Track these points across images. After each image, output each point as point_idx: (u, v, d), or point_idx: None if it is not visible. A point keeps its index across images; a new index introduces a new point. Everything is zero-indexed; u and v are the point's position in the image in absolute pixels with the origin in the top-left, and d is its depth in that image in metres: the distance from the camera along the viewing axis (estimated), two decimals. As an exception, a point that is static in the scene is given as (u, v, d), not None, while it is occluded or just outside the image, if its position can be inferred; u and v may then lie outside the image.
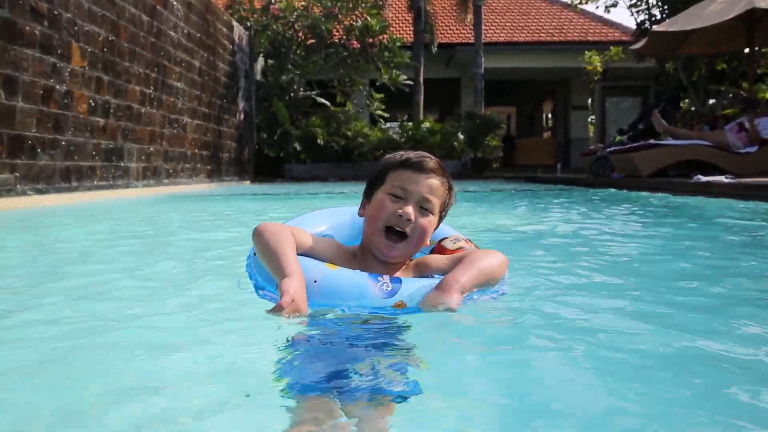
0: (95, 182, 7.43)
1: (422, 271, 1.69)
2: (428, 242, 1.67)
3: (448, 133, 15.91)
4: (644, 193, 7.34)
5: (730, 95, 13.49)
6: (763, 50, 11.97)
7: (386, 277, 1.51)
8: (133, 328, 1.49)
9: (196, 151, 11.04)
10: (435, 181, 1.61)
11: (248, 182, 14.04)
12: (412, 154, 1.65)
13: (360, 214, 1.74)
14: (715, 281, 1.98)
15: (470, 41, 18.34)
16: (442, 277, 1.54)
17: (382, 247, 1.60)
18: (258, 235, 1.59)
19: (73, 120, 6.86)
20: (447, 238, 1.88)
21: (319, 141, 15.19)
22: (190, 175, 10.72)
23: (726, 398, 1.03)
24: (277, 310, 1.34)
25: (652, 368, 1.17)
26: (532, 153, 20.99)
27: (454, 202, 1.73)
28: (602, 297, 1.79)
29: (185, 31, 10.37)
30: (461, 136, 15.97)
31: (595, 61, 16.34)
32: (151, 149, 9.08)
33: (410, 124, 16.54)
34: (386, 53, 15.87)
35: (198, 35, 11.03)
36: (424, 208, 1.60)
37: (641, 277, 2.18)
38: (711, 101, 14.43)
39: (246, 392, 1.06)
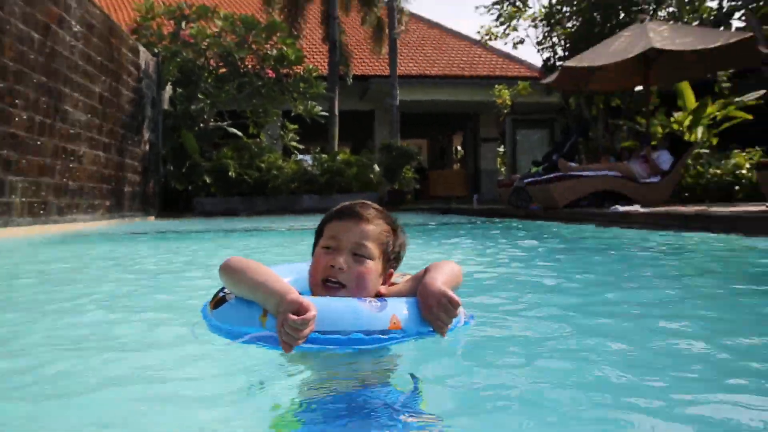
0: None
1: None
2: (374, 288, 1.62)
3: (364, 165, 15.76)
4: (567, 225, 7.46)
5: (626, 128, 14.53)
6: (651, 89, 12.96)
7: (369, 299, 1.51)
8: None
9: (95, 184, 10.03)
10: (369, 227, 1.60)
11: (153, 218, 13.01)
12: (348, 204, 1.67)
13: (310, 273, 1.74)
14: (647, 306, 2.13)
15: (384, 73, 18.52)
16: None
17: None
18: (232, 266, 1.52)
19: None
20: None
21: (230, 173, 14.46)
22: (87, 211, 9.69)
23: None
24: (307, 319, 1.31)
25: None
26: (444, 184, 21.41)
27: (406, 242, 1.72)
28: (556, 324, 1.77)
29: (85, 54, 9.49)
30: (377, 168, 15.89)
31: (504, 95, 17.02)
32: (41, 182, 8.08)
33: (325, 156, 16.25)
34: (302, 84, 15.58)
35: (99, 59, 10.16)
36: (359, 254, 1.58)
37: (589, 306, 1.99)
38: (606, 135, 15.46)
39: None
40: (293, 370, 1.44)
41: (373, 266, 1.59)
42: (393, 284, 1.72)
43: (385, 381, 1.38)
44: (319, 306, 1.38)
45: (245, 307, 1.46)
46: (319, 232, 1.68)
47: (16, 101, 7.38)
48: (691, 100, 11.89)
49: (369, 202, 1.70)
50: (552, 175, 9.66)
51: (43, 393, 1.34)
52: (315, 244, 1.68)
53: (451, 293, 1.48)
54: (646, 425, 1.10)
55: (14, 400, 1.30)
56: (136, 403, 1.27)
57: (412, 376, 1.37)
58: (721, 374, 1.40)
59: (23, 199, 7.61)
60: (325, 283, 1.57)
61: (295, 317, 1.30)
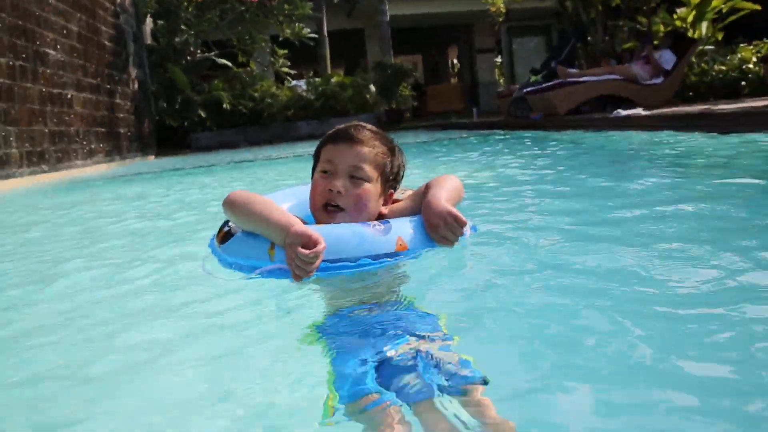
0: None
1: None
2: (375, 210, 1.62)
3: (359, 86, 15.40)
4: (569, 132, 7.37)
5: (626, 29, 13.98)
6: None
7: (373, 222, 1.53)
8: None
9: (88, 128, 9.88)
10: (364, 148, 1.59)
11: (152, 157, 12.91)
12: (342, 127, 1.65)
13: None
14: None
15: (372, -12, 17.65)
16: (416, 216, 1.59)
17: (325, 221, 1.59)
18: (236, 200, 1.53)
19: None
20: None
21: (225, 105, 14.18)
22: (85, 156, 9.60)
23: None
24: (318, 252, 1.33)
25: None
26: (442, 99, 20.96)
27: (404, 163, 1.71)
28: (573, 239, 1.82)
29: (55, -9, 9.03)
30: (373, 88, 15.52)
31: (498, 2, 16.28)
32: (33, 131, 7.95)
33: (319, 79, 15.83)
34: (286, 5, 14.91)
35: (71, -5, 9.68)
36: (356, 177, 1.57)
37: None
38: (606, 38, 14.90)
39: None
40: (309, 294, 1.49)
41: (372, 188, 1.59)
42: (395, 201, 1.74)
43: (397, 298, 1.42)
44: (324, 234, 1.39)
45: (253, 241, 1.48)
46: (316, 157, 1.67)
47: (-5, 47, 7.11)
48: (694, -7, 11.34)
49: (364, 124, 1.68)
50: (551, 83, 9.44)
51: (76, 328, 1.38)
52: (313, 169, 1.68)
53: (456, 212, 1.50)
54: (653, 331, 1.13)
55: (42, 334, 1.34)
56: (161, 334, 1.31)
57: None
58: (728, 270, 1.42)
59: (20, 149, 7.52)
60: (325, 207, 1.58)
61: (305, 251, 1.33)
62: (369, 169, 1.58)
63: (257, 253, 1.45)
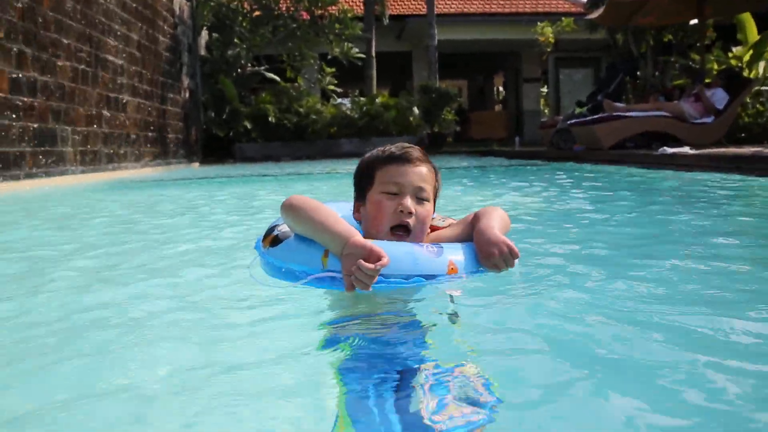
0: (26, 170, 6.70)
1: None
2: (428, 228, 1.65)
3: (403, 108, 15.54)
4: (612, 166, 7.25)
5: (677, 65, 13.71)
6: (707, 22, 12.13)
7: (426, 244, 1.55)
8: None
9: (139, 132, 10.27)
10: (423, 169, 1.61)
11: (197, 164, 13.30)
12: (394, 148, 1.65)
13: (356, 218, 1.70)
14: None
15: (421, 12, 17.88)
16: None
17: None
18: (295, 204, 1.52)
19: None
20: (433, 218, 1.87)
21: (270, 119, 14.52)
22: (133, 159, 9.97)
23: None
24: (383, 265, 1.33)
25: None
26: (485, 126, 20.92)
27: (441, 185, 1.73)
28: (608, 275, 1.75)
29: (120, 1, 9.50)
30: (417, 111, 15.64)
31: (547, 32, 16.24)
32: (89, 131, 8.31)
33: (363, 99, 16.05)
34: (337, 25, 15.26)
35: (134, 5, 10.16)
36: (420, 198, 1.59)
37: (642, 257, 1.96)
38: (656, 73, 14.64)
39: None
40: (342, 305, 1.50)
41: (431, 208, 1.62)
42: (436, 228, 1.74)
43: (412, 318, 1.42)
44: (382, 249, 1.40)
45: (305, 247, 1.47)
46: (367, 176, 1.64)
47: (59, 51, 7.50)
48: (753, 32, 11.07)
49: (410, 145, 1.68)
50: (597, 116, 9.33)
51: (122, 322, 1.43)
52: (362, 188, 1.65)
53: (511, 243, 1.52)
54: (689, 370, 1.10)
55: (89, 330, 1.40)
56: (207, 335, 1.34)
57: (451, 317, 1.41)
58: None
59: (75, 148, 7.87)
60: (393, 230, 1.56)
61: (368, 265, 1.32)
62: (428, 189, 1.61)
63: (309, 260, 1.45)
